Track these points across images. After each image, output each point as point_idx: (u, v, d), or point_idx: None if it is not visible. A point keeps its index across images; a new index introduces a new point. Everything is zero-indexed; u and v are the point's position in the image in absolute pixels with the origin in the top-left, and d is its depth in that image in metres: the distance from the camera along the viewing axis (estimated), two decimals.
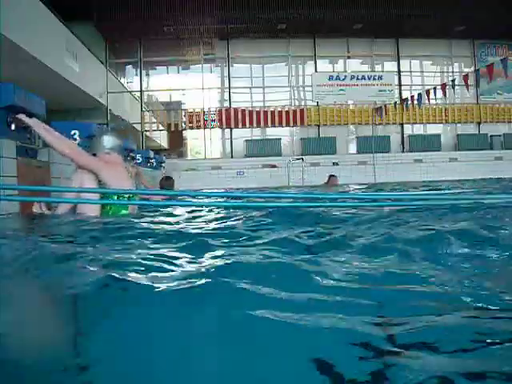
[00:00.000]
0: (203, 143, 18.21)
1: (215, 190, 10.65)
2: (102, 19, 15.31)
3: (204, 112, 17.55)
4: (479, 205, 3.04)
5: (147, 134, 17.68)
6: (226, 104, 18.03)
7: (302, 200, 4.02)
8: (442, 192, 5.85)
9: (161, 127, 18.41)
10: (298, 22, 16.66)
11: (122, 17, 15.35)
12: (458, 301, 1.12)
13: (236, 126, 17.50)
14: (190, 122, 17.50)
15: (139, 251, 1.72)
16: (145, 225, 2.69)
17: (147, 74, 18.63)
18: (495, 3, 15.37)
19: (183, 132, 18.62)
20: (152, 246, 1.87)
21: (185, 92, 18.76)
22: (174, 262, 1.54)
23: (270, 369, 0.75)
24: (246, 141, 17.56)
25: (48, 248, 1.77)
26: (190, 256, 1.63)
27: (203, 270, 1.40)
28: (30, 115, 3.49)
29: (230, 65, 18.13)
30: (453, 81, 12.75)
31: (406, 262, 1.53)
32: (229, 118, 17.39)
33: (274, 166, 16.41)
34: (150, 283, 1.22)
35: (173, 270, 1.43)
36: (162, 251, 1.72)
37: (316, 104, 18.02)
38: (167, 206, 3.96)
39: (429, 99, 13.59)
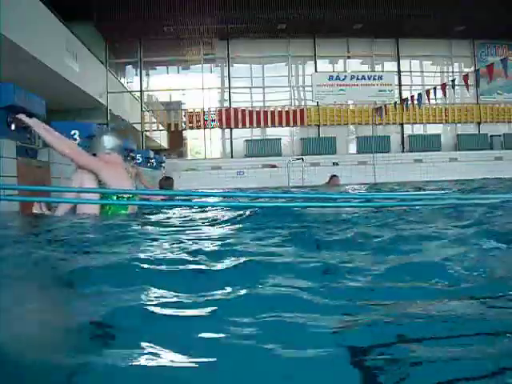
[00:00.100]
0: (203, 143, 18.21)
1: (215, 190, 10.65)
2: (102, 19, 15.31)
3: (204, 112, 17.55)
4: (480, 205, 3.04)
5: (147, 133, 17.68)
6: (226, 104, 18.03)
7: (302, 200, 4.02)
8: (442, 192, 5.85)
9: (161, 127, 18.42)
10: (297, 22, 16.66)
11: (122, 17, 15.35)
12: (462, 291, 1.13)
13: (236, 126, 17.50)
14: (190, 122, 17.51)
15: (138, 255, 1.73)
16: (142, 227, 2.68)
17: (147, 74, 18.64)
18: (495, 3, 15.37)
19: (183, 132, 18.62)
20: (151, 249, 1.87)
21: (185, 92, 18.76)
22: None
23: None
24: (246, 141, 17.56)
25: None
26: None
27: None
28: (30, 115, 3.49)
29: (230, 65, 18.13)
30: (453, 81, 12.76)
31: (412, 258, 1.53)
32: (229, 118, 17.39)
33: (274, 166, 16.41)
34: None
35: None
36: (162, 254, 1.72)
37: (316, 104, 18.02)
38: (167, 207, 3.96)
39: (429, 99, 13.59)
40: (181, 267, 1.46)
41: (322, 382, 0.72)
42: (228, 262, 1.52)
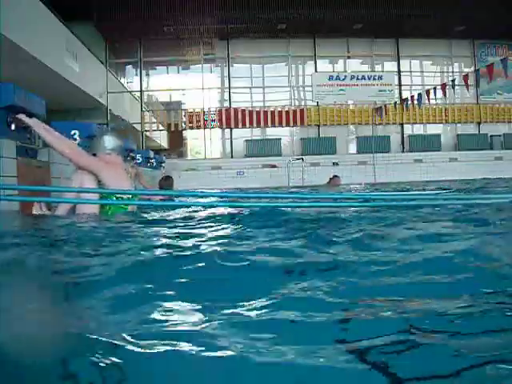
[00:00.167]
0: (203, 143, 18.21)
1: (215, 191, 10.65)
2: (102, 19, 15.31)
3: (204, 112, 17.55)
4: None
5: (147, 133, 17.68)
6: (226, 104, 18.03)
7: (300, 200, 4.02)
8: (443, 192, 5.86)
9: (161, 127, 18.42)
10: (297, 22, 16.66)
11: (122, 17, 15.35)
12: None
13: (236, 126, 17.51)
14: (190, 122, 17.51)
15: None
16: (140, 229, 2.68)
17: (147, 74, 18.64)
18: (495, 3, 15.37)
19: (183, 132, 18.62)
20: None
21: (185, 92, 18.76)
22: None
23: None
24: (246, 141, 17.56)
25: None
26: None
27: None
28: (30, 115, 3.50)
29: (230, 65, 18.13)
30: (453, 81, 12.76)
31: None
32: (229, 117, 17.40)
33: (274, 166, 16.41)
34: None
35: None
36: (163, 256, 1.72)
37: (316, 104, 18.02)
38: (166, 207, 3.96)
39: (429, 99, 13.60)
40: (182, 268, 1.46)
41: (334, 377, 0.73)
42: (232, 263, 1.52)
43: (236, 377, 0.74)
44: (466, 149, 17.86)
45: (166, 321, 0.97)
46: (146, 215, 3.46)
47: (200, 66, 18.44)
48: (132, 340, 0.85)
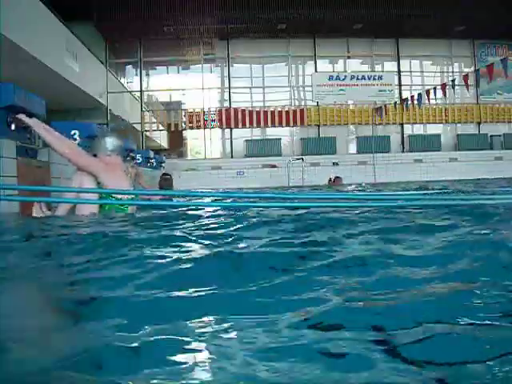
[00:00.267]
0: (203, 143, 18.22)
1: (215, 191, 10.64)
2: (102, 19, 15.32)
3: (204, 112, 17.56)
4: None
5: (147, 133, 17.69)
6: (226, 104, 18.03)
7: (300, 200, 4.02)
8: (442, 192, 5.86)
9: (161, 127, 18.42)
10: (298, 22, 16.67)
11: (122, 17, 15.36)
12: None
13: (236, 126, 17.51)
14: (190, 122, 17.51)
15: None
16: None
17: (147, 74, 18.64)
18: (495, 3, 15.37)
19: (183, 132, 18.62)
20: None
21: (185, 92, 18.77)
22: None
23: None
24: (246, 141, 17.56)
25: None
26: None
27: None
28: (30, 115, 3.50)
29: (230, 65, 18.13)
30: (453, 81, 12.77)
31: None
32: (229, 117, 17.40)
33: (274, 166, 16.41)
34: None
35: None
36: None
37: (316, 104, 18.02)
38: (166, 207, 3.96)
39: (429, 99, 13.60)
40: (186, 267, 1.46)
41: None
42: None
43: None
44: (465, 149, 17.86)
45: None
46: (146, 217, 3.45)
47: (200, 66, 18.44)
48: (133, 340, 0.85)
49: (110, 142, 3.68)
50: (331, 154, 17.12)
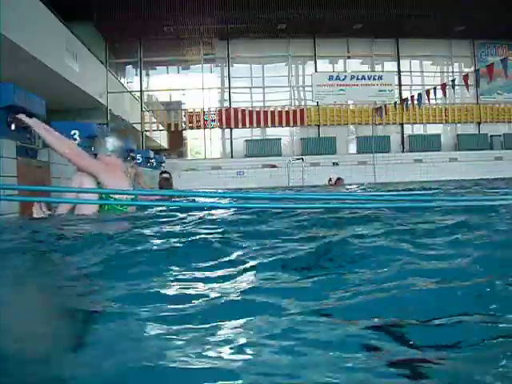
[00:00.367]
0: (203, 143, 18.21)
1: (215, 191, 10.62)
2: (102, 19, 15.31)
3: (204, 112, 17.55)
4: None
5: (147, 133, 17.68)
6: (226, 104, 18.03)
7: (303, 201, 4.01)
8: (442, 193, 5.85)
9: (161, 127, 18.42)
10: (298, 22, 16.66)
11: (122, 17, 15.35)
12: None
13: (236, 126, 17.51)
14: (190, 122, 17.51)
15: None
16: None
17: (147, 74, 18.64)
18: (495, 3, 15.37)
19: (183, 132, 18.62)
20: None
21: (185, 92, 18.76)
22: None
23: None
24: (246, 141, 17.56)
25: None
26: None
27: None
28: (30, 115, 3.49)
29: (230, 65, 18.13)
30: (453, 81, 12.76)
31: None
32: (229, 117, 17.39)
33: (274, 166, 16.41)
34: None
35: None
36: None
37: (316, 104, 18.02)
38: (166, 207, 3.95)
39: (429, 99, 13.60)
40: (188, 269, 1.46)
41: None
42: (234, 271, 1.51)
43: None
44: (465, 149, 17.86)
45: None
46: (148, 217, 3.45)
47: (200, 66, 18.44)
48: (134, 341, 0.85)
49: (111, 142, 3.68)
50: (331, 154, 17.12)
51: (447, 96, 13.76)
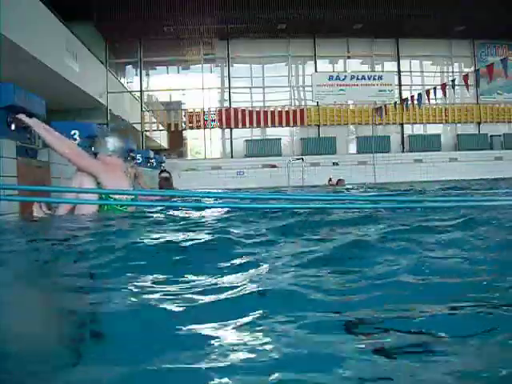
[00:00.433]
0: (203, 143, 18.21)
1: (215, 191, 10.63)
2: (102, 19, 15.32)
3: (204, 112, 17.55)
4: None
5: (147, 133, 17.68)
6: (226, 104, 18.03)
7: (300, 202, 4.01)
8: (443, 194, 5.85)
9: (161, 127, 18.42)
10: (298, 22, 16.66)
11: (122, 17, 15.36)
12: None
13: (236, 126, 17.51)
14: (190, 122, 17.51)
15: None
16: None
17: (147, 74, 18.64)
18: (495, 3, 15.37)
19: (183, 132, 18.62)
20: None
21: (185, 92, 18.77)
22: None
23: None
24: (246, 141, 17.56)
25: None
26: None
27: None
28: (30, 115, 3.49)
29: (230, 65, 18.13)
30: (453, 81, 12.77)
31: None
32: (229, 117, 17.40)
33: (273, 166, 16.41)
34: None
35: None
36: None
37: (316, 104, 18.02)
38: (166, 207, 3.95)
39: (429, 99, 13.60)
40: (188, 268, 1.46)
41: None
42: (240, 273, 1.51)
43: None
44: (465, 149, 17.86)
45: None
46: (147, 218, 3.45)
47: (200, 66, 18.44)
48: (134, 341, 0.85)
49: (111, 142, 3.68)
50: (331, 154, 17.12)
51: (447, 96, 13.77)
